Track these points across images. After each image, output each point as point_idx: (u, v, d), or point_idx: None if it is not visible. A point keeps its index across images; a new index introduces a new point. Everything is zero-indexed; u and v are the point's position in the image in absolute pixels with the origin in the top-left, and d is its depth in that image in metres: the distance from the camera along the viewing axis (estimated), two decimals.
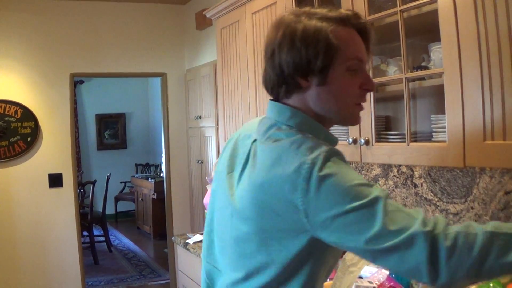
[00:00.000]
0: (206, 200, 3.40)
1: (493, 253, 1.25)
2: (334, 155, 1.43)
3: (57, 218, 5.82)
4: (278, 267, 1.50)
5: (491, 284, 2.07)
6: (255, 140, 1.62)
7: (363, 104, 1.64)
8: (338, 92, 1.56)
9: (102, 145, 11.86)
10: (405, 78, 2.35)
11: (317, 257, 1.52)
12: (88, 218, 7.99)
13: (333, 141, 1.64)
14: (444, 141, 2.15)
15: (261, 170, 1.50)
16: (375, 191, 1.37)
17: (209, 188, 3.53)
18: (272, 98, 1.68)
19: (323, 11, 1.55)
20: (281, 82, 1.57)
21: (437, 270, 1.27)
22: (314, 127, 1.58)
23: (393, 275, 2.44)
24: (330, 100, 1.57)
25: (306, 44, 1.50)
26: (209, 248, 1.80)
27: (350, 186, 1.36)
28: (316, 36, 1.49)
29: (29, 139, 5.63)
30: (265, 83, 1.65)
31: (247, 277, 1.56)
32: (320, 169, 1.38)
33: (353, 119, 1.66)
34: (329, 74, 1.52)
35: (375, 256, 1.34)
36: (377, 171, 3.16)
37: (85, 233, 7.85)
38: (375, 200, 1.35)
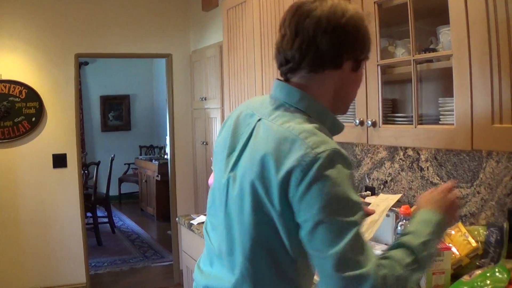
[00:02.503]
0: (211, 181, 3.40)
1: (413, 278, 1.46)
2: (339, 157, 1.44)
3: (61, 198, 5.82)
4: (279, 251, 1.55)
5: (497, 269, 2.06)
6: (260, 119, 1.63)
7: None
8: (358, 82, 1.68)
9: (106, 127, 11.88)
10: (413, 60, 2.33)
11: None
12: (91, 199, 8.01)
13: (339, 127, 1.68)
14: (452, 124, 2.14)
15: (262, 146, 1.52)
16: (357, 215, 1.42)
17: None
18: (280, 77, 1.68)
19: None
20: (325, 56, 1.55)
21: None
22: (321, 111, 1.61)
23: None
24: (352, 87, 1.68)
25: (364, 31, 1.58)
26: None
27: (338, 199, 1.40)
28: (368, 28, 1.61)
29: (33, 119, 5.62)
30: (294, 53, 1.57)
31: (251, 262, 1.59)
32: (320, 167, 1.40)
33: (346, 110, 1.74)
34: (361, 64, 1.64)
35: (323, 268, 1.41)
36: (383, 154, 3.15)
37: (89, 214, 7.87)
38: (353, 224, 1.40)
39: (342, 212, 1.39)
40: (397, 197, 2.18)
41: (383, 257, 1.45)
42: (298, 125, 1.50)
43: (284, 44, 1.59)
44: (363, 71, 1.70)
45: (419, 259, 1.46)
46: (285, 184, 1.43)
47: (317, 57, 1.54)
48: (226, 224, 1.64)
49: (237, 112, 1.77)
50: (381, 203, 2.06)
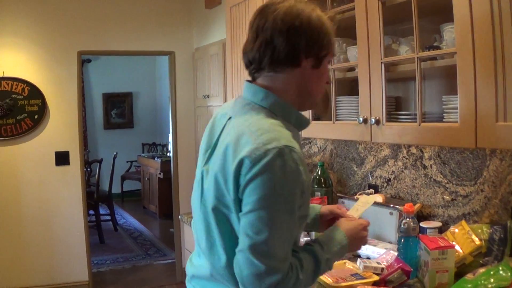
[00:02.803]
0: None
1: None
2: (289, 153, 1.53)
3: (64, 196, 5.82)
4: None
5: (501, 267, 2.06)
6: (230, 118, 1.76)
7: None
8: (322, 78, 1.78)
9: (109, 124, 11.87)
10: (417, 57, 2.33)
11: None
12: (94, 197, 8.01)
13: (305, 122, 1.81)
14: (456, 122, 2.13)
15: (226, 141, 1.65)
16: (292, 212, 1.56)
17: None
18: (248, 78, 1.81)
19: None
20: (282, 56, 1.65)
21: None
22: (285, 108, 1.73)
23: (402, 256, 2.43)
24: (316, 83, 1.77)
25: (320, 30, 1.66)
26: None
27: (277, 194, 1.52)
28: (328, 27, 1.70)
29: (36, 116, 5.62)
30: (255, 55, 1.71)
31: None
32: (268, 162, 1.50)
33: (315, 105, 1.86)
34: (324, 61, 1.73)
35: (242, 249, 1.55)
36: (386, 152, 3.15)
37: (91, 212, 7.86)
38: (284, 219, 1.54)
39: (278, 207, 1.52)
40: (373, 199, 2.21)
41: (298, 258, 1.62)
42: (258, 122, 1.63)
43: (247, 46, 1.75)
44: (328, 67, 1.81)
45: (319, 271, 1.69)
46: (237, 173, 1.55)
47: (275, 57, 1.66)
48: (203, 215, 1.74)
49: (216, 113, 1.91)
50: (360, 208, 2.10)
